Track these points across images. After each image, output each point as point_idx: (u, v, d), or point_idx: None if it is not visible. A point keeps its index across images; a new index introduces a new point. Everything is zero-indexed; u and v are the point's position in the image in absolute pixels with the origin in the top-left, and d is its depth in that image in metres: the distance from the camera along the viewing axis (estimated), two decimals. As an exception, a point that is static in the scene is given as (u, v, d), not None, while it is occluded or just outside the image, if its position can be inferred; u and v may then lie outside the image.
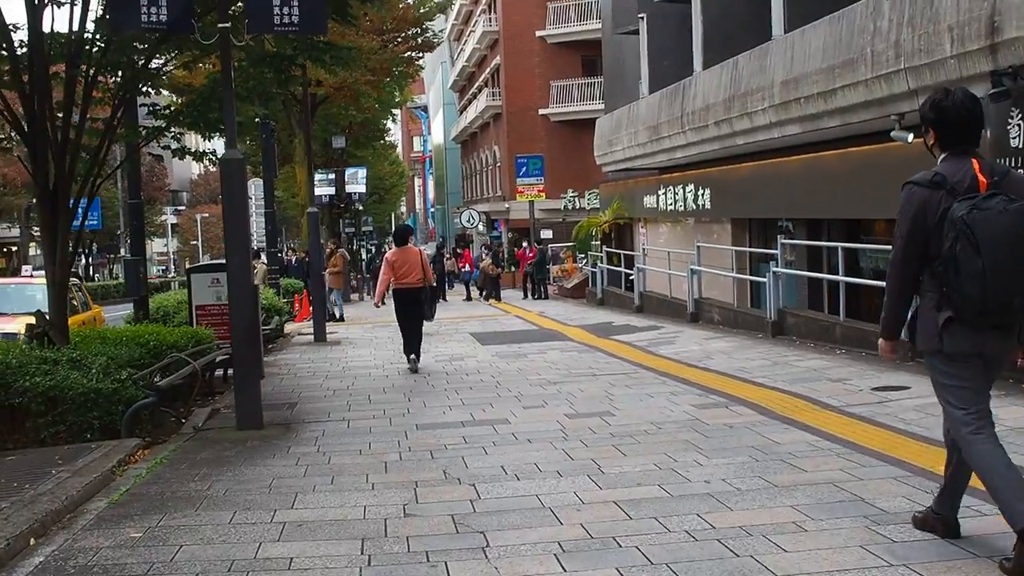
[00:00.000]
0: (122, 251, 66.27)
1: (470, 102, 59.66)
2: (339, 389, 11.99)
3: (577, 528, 5.52)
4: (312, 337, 19.03)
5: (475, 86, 58.39)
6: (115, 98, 11.20)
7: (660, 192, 24.58)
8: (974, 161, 4.47)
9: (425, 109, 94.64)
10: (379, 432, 8.88)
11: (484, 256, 33.00)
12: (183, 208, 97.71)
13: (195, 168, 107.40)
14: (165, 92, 13.06)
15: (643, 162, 22.38)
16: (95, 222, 52.52)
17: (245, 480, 7.13)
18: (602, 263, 26.79)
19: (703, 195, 21.41)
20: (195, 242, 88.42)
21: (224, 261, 9.37)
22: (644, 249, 22.98)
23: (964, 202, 4.31)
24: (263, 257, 23.97)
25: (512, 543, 5.32)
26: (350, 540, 5.51)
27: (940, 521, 4.94)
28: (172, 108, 11.99)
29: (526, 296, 32.79)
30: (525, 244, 34.46)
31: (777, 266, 14.80)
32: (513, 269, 38.92)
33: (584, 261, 34.21)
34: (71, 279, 21.16)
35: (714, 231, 21.37)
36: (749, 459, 7.02)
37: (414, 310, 13.86)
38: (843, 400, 9.13)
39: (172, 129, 12.15)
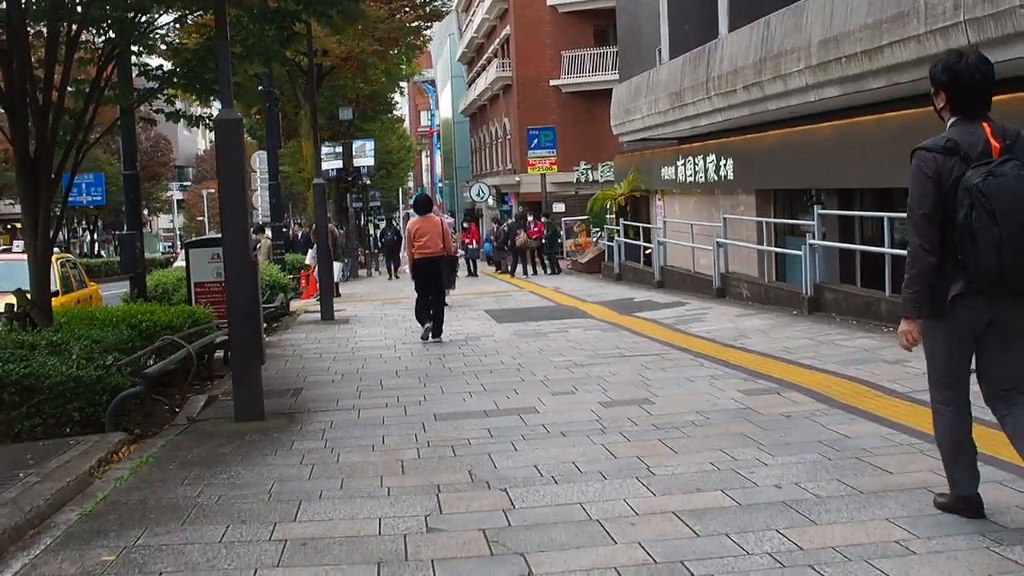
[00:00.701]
0: (125, 227, 65.65)
1: (479, 74, 58.49)
2: (348, 373, 11.09)
3: (636, 549, 4.60)
4: (319, 315, 18.11)
5: (484, 57, 57.23)
6: (101, 57, 10.26)
7: (679, 163, 23.59)
8: (985, 125, 4.39)
9: (432, 83, 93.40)
10: (393, 423, 7.98)
11: (520, 232, 31.58)
12: (189, 184, 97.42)
13: (201, 143, 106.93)
14: (158, 56, 12.10)
15: (664, 131, 21.36)
16: (99, 198, 51.65)
17: (242, 484, 6.23)
18: (619, 237, 25.81)
19: (725, 165, 20.44)
20: (201, 218, 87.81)
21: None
22: (664, 221, 21.99)
23: (978, 168, 4.24)
24: (268, 232, 23.07)
25: (560, 570, 4.41)
26: (364, 565, 4.60)
27: None
28: (164, 69, 11.02)
29: (533, 272, 31.64)
30: (531, 218, 33.15)
31: (814, 238, 13.82)
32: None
33: (598, 235, 33.26)
34: (67, 256, 20.35)
35: (737, 202, 20.38)
36: (819, 457, 6.10)
37: (434, 279, 13.86)
38: (907, 385, 8.20)
39: (165, 92, 11.20)
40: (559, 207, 40.42)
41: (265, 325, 15.48)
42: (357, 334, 15.45)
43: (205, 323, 11.66)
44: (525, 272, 31.04)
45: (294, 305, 21.54)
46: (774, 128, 17.84)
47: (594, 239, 33.81)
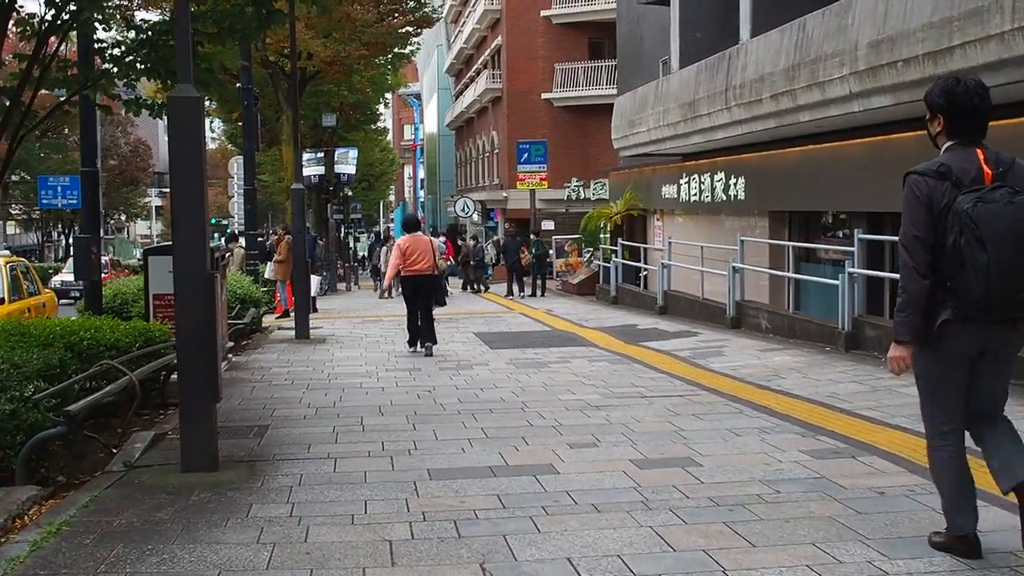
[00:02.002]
0: (102, 231, 63.82)
1: (467, 86, 56.92)
2: (323, 407, 9.48)
3: None
4: (294, 333, 16.47)
5: (473, 69, 55.71)
6: (41, 26, 8.67)
7: (682, 181, 22.18)
8: (978, 151, 4.37)
9: (418, 96, 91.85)
10: (378, 482, 6.38)
11: (525, 251, 29.45)
12: (168, 190, 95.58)
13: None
14: (116, 32, 10.54)
15: (673, 145, 19.87)
16: (75, 201, 49.61)
17: (176, 574, 4.64)
18: (617, 257, 24.29)
19: (736, 184, 19.02)
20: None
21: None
22: (670, 242, 20.49)
23: (969, 194, 4.22)
24: (241, 241, 21.43)
25: None
26: None
27: None
28: (122, 48, 9.43)
29: (510, 293, 29.43)
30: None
31: (854, 266, 12.32)
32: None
33: (589, 255, 31.75)
34: (19, 260, 18.67)
35: (748, 225, 18.95)
36: (957, 564, 4.55)
37: (424, 297, 13.90)
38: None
39: (128, 76, 9.59)
40: (548, 224, 38.95)
41: (232, 344, 13.90)
42: (334, 357, 13.85)
43: (161, 342, 10.05)
44: (510, 292, 29.19)
45: (267, 320, 19.94)
46: (794, 145, 16.42)
47: (586, 259, 32.29)
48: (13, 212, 68.82)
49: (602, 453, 7.14)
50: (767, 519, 5.35)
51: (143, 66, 9.26)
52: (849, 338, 12.20)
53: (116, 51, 9.54)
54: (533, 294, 28.84)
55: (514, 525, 5.35)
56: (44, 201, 50.79)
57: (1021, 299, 4.23)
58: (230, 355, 13.61)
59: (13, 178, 61.74)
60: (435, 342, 13.95)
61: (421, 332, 13.98)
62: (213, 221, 73.58)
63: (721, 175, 19.74)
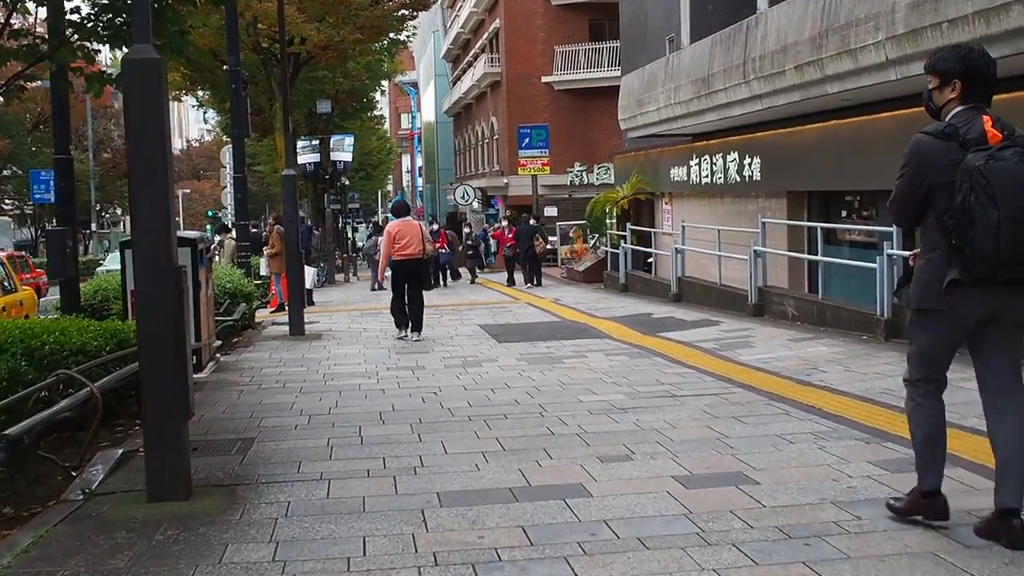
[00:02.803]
0: (93, 226, 62.72)
1: (465, 71, 55.77)
2: (317, 414, 8.49)
3: None
4: (287, 328, 15.48)
5: (471, 54, 54.54)
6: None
7: (692, 162, 21.18)
8: (985, 117, 4.35)
9: (414, 85, 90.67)
10: (379, 511, 5.39)
11: (539, 238, 27.69)
12: None
13: (177, 142, 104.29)
14: None
15: (685, 124, 18.83)
16: (68, 195, 48.92)
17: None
18: (626, 243, 23.28)
19: (751, 164, 18.03)
20: (177, 218, 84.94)
21: (178, 235, 5.80)
22: (684, 226, 19.48)
23: (978, 152, 4.21)
24: (233, 232, 20.42)
25: None
26: None
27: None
28: (80, 13, 8.41)
29: (512, 282, 27.86)
30: (505, 223, 29.87)
31: (892, 247, 11.31)
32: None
33: (594, 240, 30.69)
34: (-4, 255, 17.68)
35: (764, 206, 17.94)
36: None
37: (414, 281, 14.15)
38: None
39: (88, 44, 8.58)
40: (551, 211, 37.96)
41: (220, 343, 12.93)
42: (331, 354, 12.86)
43: (135, 345, 9.04)
44: (512, 281, 27.87)
45: (260, 315, 18.95)
46: (814, 121, 15.41)
47: (590, 245, 31.26)
48: (6, 207, 67.84)
49: (639, 468, 6.15)
50: (856, 557, 4.37)
51: (105, 32, 8.25)
52: (889, 326, 11.20)
53: (75, 16, 8.53)
54: (528, 282, 27.54)
55: (546, 570, 4.37)
56: (36, 195, 49.91)
57: None
58: (218, 355, 12.64)
59: (5, 173, 60.85)
60: (420, 327, 14.21)
61: (410, 317, 14.17)
62: (210, 214, 72.67)
63: (735, 155, 18.75)
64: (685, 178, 21.69)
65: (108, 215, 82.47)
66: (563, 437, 7.14)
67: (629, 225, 23.52)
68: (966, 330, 4.44)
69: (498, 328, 15.51)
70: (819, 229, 14.23)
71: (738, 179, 18.70)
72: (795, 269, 17.01)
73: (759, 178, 17.84)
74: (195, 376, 11.08)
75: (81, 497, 5.83)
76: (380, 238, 18.43)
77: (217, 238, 21.76)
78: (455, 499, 5.56)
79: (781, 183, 17.28)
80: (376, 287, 26.68)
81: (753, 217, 16.96)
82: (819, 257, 13.95)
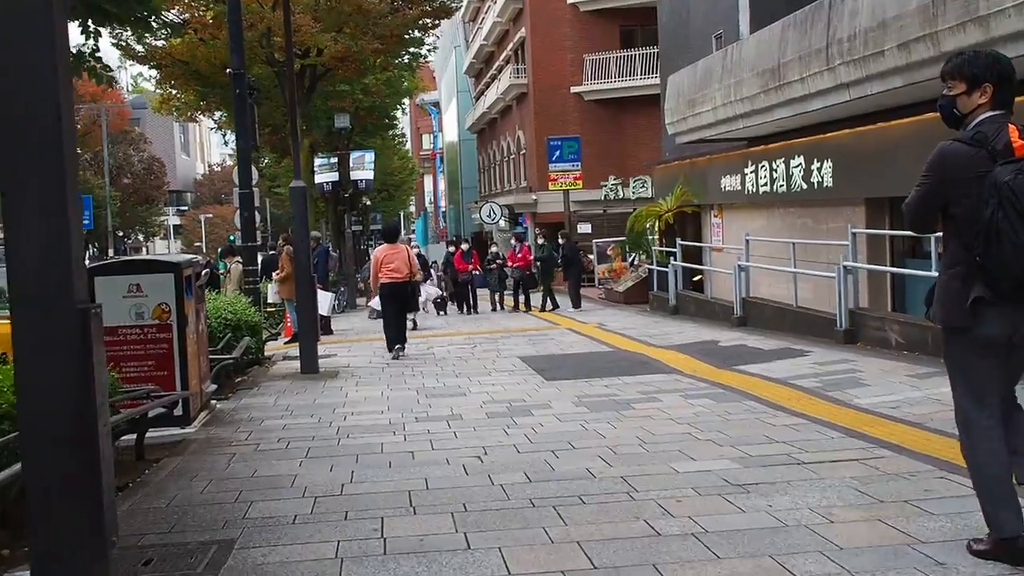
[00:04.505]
0: (111, 252, 61.07)
1: (489, 85, 53.64)
2: (326, 494, 6.31)
3: None
4: (299, 365, 13.34)
5: (495, 67, 52.42)
6: None
7: (747, 170, 19.01)
8: (1011, 126, 4.15)
9: (436, 105, 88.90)
10: None
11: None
12: (186, 208, 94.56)
13: (200, 167, 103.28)
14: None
15: (747, 124, 16.62)
16: (86, 221, 47.24)
17: None
18: (676, 260, 21.08)
19: (820, 169, 15.85)
20: (199, 243, 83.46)
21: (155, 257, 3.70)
22: (747, 240, 17.28)
23: (1007, 166, 4.03)
24: (239, 256, 18.28)
25: None
26: None
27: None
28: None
29: (516, 308, 25.20)
30: (514, 242, 26.72)
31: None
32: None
33: (632, 257, 28.47)
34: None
35: (837, 216, 15.73)
36: None
37: (400, 302, 14.87)
38: None
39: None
40: (585, 228, 35.79)
41: (215, 387, 10.82)
42: (348, 398, 10.73)
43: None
44: (555, 305, 25.17)
45: (272, 347, 16.84)
46: (903, 115, 13.20)
47: (629, 263, 29.05)
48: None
49: (814, 608, 3.96)
50: None
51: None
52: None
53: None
54: (544, 308, 24.62)
55: None
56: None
57: None
58: (213, 401, 10.52)
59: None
60: (404, 343, 14.82)
61: (396, 335, 14.70)
62: (232, 239, 70.61)
63: (800, 159, 16.57)
64: (739, 187, 19.53)
65: (131, 241, 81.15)
66: (674, 540, 4.94)
67: (679, 240, 21.29)
68: (997, 349, 4.18)
69: (543, 361, 13.36)
70: (931, 240, 11.97)
71: (804, 186, 16.52)
72: (875, 287, 14.81)
73: (830, 184, 15.64)
74: (183, 431, 9.01)
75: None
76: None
77: (224, 263, 19.62)
78: None
79: (859, 189, 15.06)
80: (372, 315, 23.40)
81: (822, 229, 14.78)
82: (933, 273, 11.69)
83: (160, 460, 7.81)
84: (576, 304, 24.52)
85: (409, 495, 6.16)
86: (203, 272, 10.44)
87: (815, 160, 16.05)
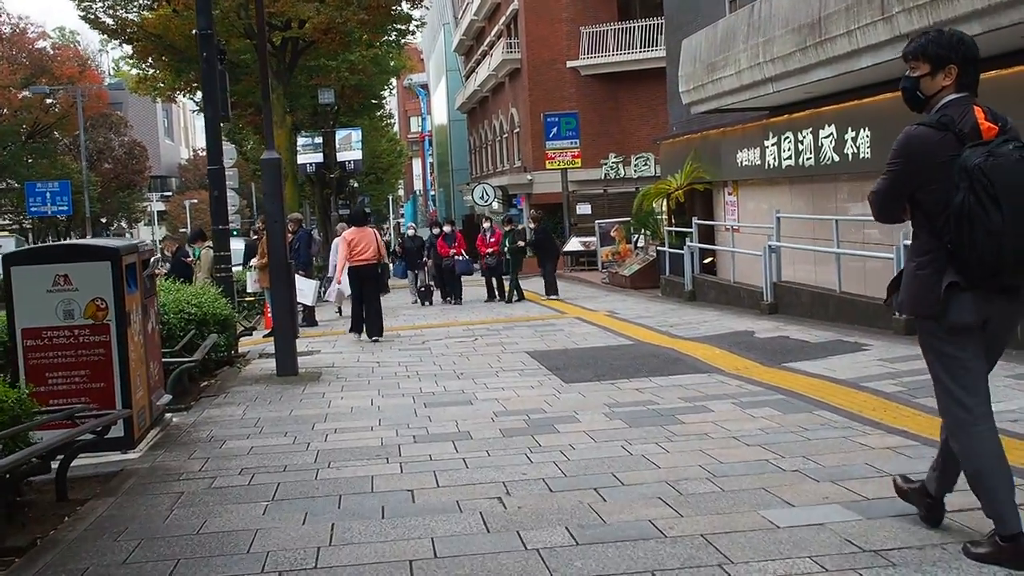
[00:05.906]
0: (88, 236, 59.19)
1: (480, 62, 51.64)
2: (293, 568, 4.55)
3: None
4: (275, 365, 11.55)
5: (486, 42, 50.41)
6: None
7: (768, 142, 17.29)
8: (976, 108, 4.06)
9: (424, 86, 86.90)
10: None
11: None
12: (171, 194, 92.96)
13: (184, 152, 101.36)
14: None
15: (777, 88, 14.77)
16: (65, 207, 45.44)
17: None
18: (692, 241, 19.34)
19: (856, 139, 14.14)
20: (184, 229, 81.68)
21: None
22: (778, 218, 15.54)
23: (976, 148, 3.90)
24: (209, 240, 16.39)
25: None
26: None
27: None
28: None
29: (491, 297, 22.58)
30: (487, 224, 23.95)
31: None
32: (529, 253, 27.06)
33: (637, 238, 26.71)
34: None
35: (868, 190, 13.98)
36: None
37: (371, 285, 14.82)
38: None
39: None
40: (584, 208, 34.02)
41: (169, 397, 9.04)
42: (331, 410, 8.96)
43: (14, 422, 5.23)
44: (502, 298, 22.29)
45: (247, 342, 15.09)
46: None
47: (633, 245, 27.33)
48: (2, 222, 64.85)
49: None
50: None
51: None
52: None
53: None
54: (504, 299, 22.07)
55: None
56: (32, 208, 46.23)
57: None
58: (169, 415, 8.77)
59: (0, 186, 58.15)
60: (382, 333, 14.74)
61: (367, 321, 14.71)
62: (236, 232, 68.24)
63: (831, 129, 14.87)
64: (758, 161, 17.81)
65: (113, 228, 79.32)
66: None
67: (695, 220, 19.54)
68: (973, 337, 4.03)
69: (556, 357, 11.61)
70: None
71: (836, 158, 14.81)
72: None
73: (868, 156, 13.93)
74: (124, 457, 7.27)
75: None
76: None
77: (194, 249, 17.73)
78: None
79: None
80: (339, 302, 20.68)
81: (858, 205, 13.04)
82: None
83: (86, 503, 6.06)
84: (551, 291, 22.24)
85: (410, 568, 4.40)
86: (152, 260, 8.64)
87: (848, 129, 14.36)
